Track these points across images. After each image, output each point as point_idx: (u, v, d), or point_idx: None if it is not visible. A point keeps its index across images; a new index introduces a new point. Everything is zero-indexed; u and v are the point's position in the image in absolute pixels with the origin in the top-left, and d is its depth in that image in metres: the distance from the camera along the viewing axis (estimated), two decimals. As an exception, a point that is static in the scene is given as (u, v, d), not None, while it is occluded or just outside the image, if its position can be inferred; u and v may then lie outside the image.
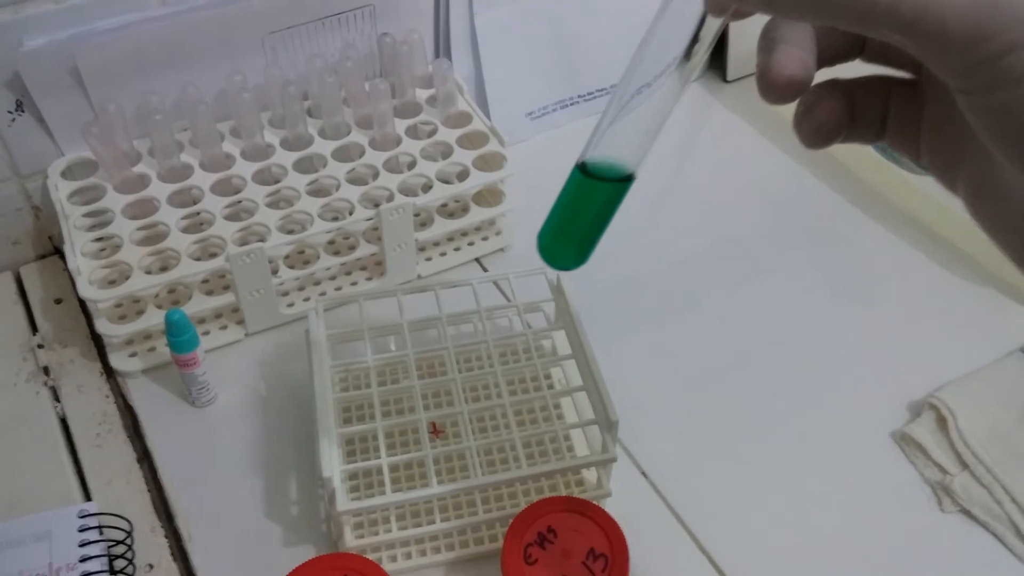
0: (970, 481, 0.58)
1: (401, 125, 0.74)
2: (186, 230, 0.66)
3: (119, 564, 0.54)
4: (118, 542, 0.55)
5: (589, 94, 0.87)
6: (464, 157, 0.72)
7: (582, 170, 0.34)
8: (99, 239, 0.66)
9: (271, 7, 0.70)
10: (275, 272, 0.66)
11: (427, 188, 0.70)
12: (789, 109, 0.32)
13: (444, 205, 0.74)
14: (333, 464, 0.51)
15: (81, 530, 0.54)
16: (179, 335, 0.58)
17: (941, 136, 0.31)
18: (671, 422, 0.63)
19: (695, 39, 0.31)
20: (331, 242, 0.71)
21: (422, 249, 0.72)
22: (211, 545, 0.56)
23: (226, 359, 0.66)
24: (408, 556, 0.55)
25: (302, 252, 0.70)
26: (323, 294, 0.70)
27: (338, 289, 0.70)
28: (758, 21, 0.30)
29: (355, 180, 0.70)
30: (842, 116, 0.31)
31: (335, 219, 0.67)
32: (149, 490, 0.59)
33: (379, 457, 0.53)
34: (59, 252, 0.74)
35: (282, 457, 0.60)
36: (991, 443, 0.59)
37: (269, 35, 0.71)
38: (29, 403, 0.63)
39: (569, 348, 0.60)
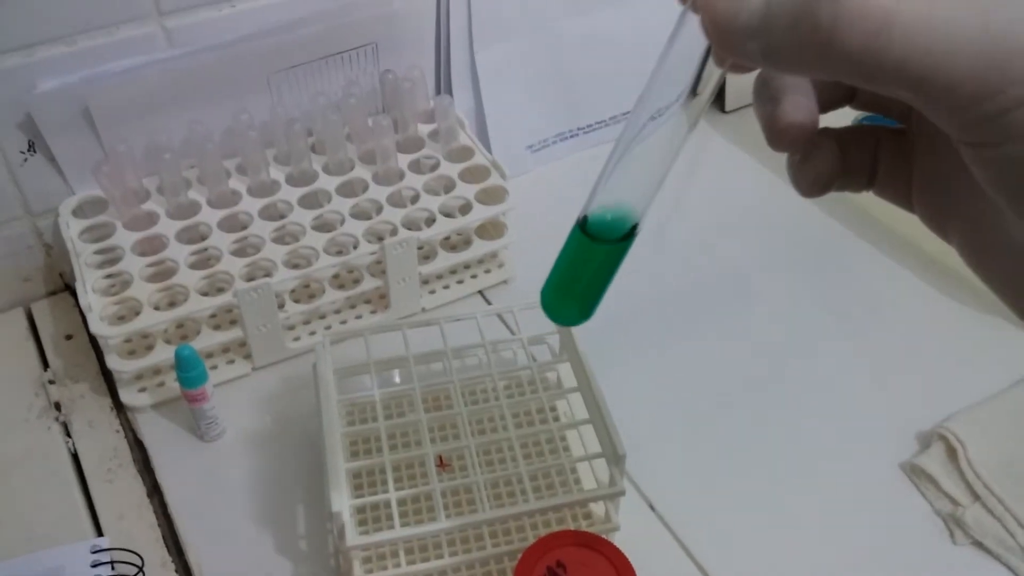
0: (982, 513, 0.58)
1: (404, 160, 0.75)
2: (194, 266, 0.67)
3: (131, 599, 0.54)
4: (130, 577, 0.55)
5: (589, 126, 0.88)
6: (466, 191, 0.73)
7: (583, 227, 0.34)
8: (109, 276, 0.67)
9: (276, 47, 0.71)
10: (281, 306, 0.67)
11: (430, 222, 0.71)
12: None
13: (447, 238, 0.75)
14: (342, 499, 0.52)
15: (93, 565, 0.55)
16: (188, 371, 0.59)
17: (933, 186, 0.31)
18: (678, 454, 0.63)
19: (695, 87, 0.30)
20: (336, 276, 0.72)
21: (426, 282, 0.73)
22: (221, 579, 0.57)
23: (234, 393, 0.66)
24: (417, 589, 0.55)
25: (308, 286, 0.71)
26: (328, 328, 0.71)
27: (343, 323, 0.71)
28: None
29: (359, 215, 0.71)
30: (838, 165, 0.31)
31: (340, 253, 0.68)
32: (160, 524, 0.59)
33: (387, 491, 0.54)
34: (69, 289, 0.75)
35: (290, 491, 0.61)
36: (1002, 474, 0.59)
37: (274, 74, 0.73)
38: (41, 439, 0.64)
39: (574, 380, 0.61)
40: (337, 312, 0.71)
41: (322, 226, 0.71)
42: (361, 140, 0.75)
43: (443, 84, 0.82)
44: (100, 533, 0.59)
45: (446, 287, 0.74)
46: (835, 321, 0.73)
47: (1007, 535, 0.57)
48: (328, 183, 0.73)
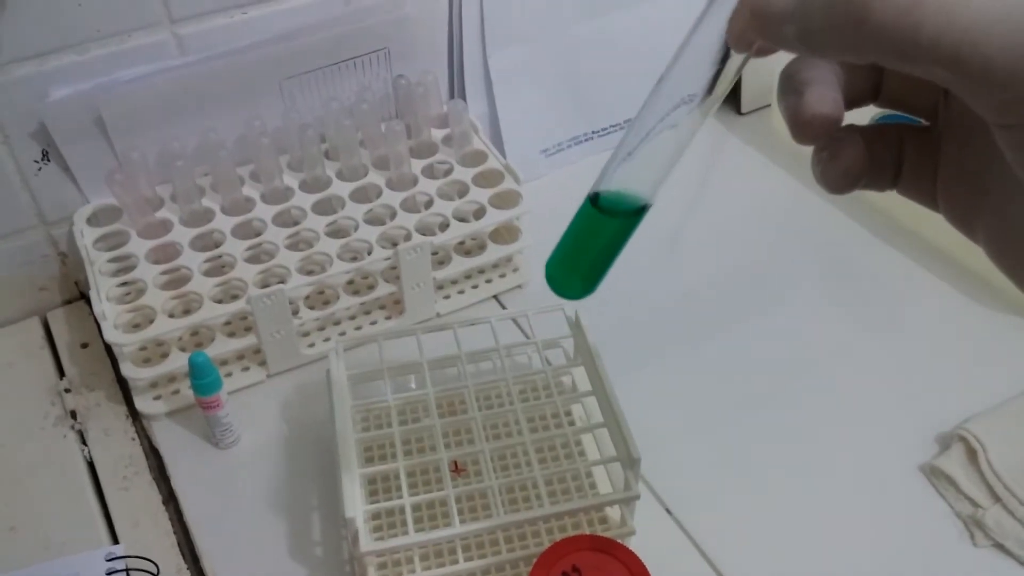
0: (1003, 514, 0.57)
1: (417, 165, 0.75)
2: (208, 273, 0.67)
3: (146, 607, 0.54)
4: (145, 585, 0.55)
5: (603, 130, 0.87)
6: (480, 195, 0.73)
7: (593, 202, 0.34)
8: (124, 284, 0.67)
9: (288, 53, 0.71)
10: (296, 313, 0.67)
11: (444, 227, 0.71)
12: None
13: (461, 243, 0.75)
14: (356, 504, 0.52)
15: (109, 573, 0.55)
16: (203, 378, 0.59)
17: (960, 182, 0.31)
18: (694, 457, 0.63)
19: (717, 74, 0.31)
20: (350, 282, 0.71)
21: (440, 287, 0.73)
22: (236, 586, 0.57)
23: (248, 400, 0.66)
24: (432, 595, 0.55)
25: (322, 292, 0.71)
26: (343, 334, 0.70)
27: (358, 329, 0.71)
28: (774, 55, 0.30)
29: (373, 220, 0.71)
30: (865, 161, 0.31)
31: (354, 259, 0.68)
32: (175, 532, 0.59)
33: (401, 497, 0.54)
34: (85, 297, 0.75)
35: (305, 497, 0.61)
36: (1023, 475, 0.58)
37: (286, 80, 0.73)
38: (56, 447, 0.64)
39: (589, 384, 0.60)
40: (352, 318, 0.71)
41: (336, 232, 0.70)
42: (374, 145, 0.75)
43: (456, 89, 0.82)
44: (115, 541, 0.59)
45: (461, 292, 0.74)
46: (853, 323, 0.72)
47: (1030, 537, 0.56)
48: (342, 189, 0.73)
